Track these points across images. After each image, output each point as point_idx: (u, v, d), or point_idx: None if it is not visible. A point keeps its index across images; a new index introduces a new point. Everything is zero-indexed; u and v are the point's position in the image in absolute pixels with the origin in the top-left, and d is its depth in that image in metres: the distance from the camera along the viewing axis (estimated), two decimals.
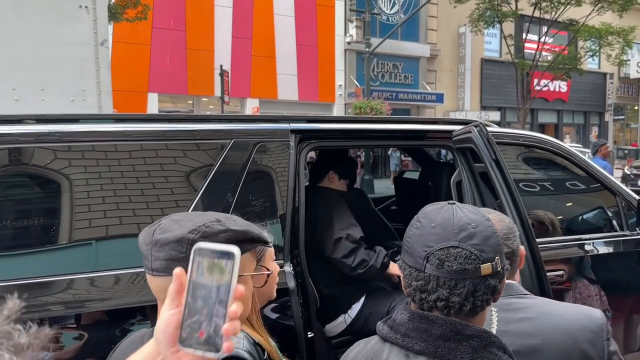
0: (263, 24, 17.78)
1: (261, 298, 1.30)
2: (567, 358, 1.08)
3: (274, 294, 1.33)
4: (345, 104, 18.85)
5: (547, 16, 17.46)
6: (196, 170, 1.97)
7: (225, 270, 0.64)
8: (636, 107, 27.93)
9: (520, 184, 2.62)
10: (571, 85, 24.15)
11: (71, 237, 1.80)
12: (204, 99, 17.72)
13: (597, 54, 19.62)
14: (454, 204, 1.00)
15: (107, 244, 1.86)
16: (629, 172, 14.04)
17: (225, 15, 17.27)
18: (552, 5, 16.94)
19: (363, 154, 13.73)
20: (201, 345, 0.63)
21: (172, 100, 17.51)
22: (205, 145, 2.01)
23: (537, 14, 17.21)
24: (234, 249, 0.64)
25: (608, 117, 27.14)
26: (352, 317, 2.65)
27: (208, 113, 16.93)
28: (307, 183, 2.90)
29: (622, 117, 27.96)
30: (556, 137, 22.67)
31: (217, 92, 16.14)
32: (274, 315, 1.95)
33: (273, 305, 1.94)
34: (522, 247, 1.00)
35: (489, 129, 2.46)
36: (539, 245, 2.29)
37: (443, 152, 4.44)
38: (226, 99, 15.54)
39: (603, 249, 2.60)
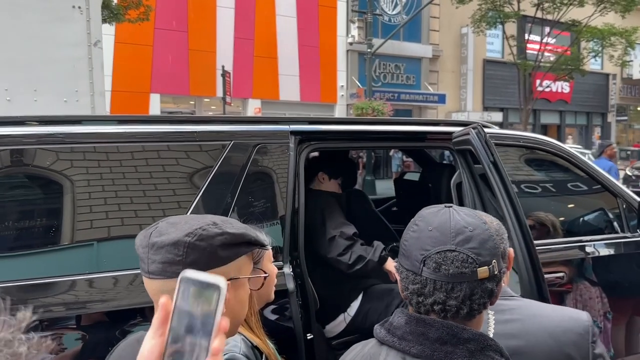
0: (265, 25, 17.80)
1: (259, 300, 1.30)
2: None
3: (272, 296, 1.33)
4: (347, 105, 18.84)
5: (549, 17, 17.43)
6: (195, 171, 1.98)
7: (211, 300, 0.63)
8: (639, 108, 27.86)
9: (521, 186, 2.62)
10: (574, 86, 24.11)
11: (73, 238, 1.80)
12: (205, 100, 17.75)
13: (600, 54, 19.58)
14: (451, 207, 1.00)
15: (109, 244, 1.86)
16: (630, 174, 14.01)
17: (227, 16, 17.29)
18: (555, 5, 16.91)
19: (365, 155, 13.73)
20: None
21: (174, 101, 17.54)
22: (204, 147, 2.02)
23: (539, 14, 17.19)
24: (221, 282, 0.63)
25: (611, 118, 27.08)
26: (352, 315, 2.66)
27: (210, 114, 16.97)
28: None
29: (625, 118, 27.89)
30: (559, 138, 22.69)
31: (219, 92, 16.17)
32: (273, 317, 1.95)
33: (273, 307, 1.94)
34: (510, 249, 1.00)
35: (488, 130, 2.46)
36: (540, 247, 2.30)
37: (447, 153, 4.44)
38: (228, 99, 15.57)
39: (604, 251, 2.59)
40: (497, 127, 2.80)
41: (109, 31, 13.37)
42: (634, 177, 13.51)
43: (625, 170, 14.84)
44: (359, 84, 18.48)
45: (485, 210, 2.24)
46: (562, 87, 23.88)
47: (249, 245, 0.93)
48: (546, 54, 18.14)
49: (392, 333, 0.96)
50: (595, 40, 17.91)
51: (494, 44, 22.61)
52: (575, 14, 17.18)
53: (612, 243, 2.63)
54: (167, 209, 1.90)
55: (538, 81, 18.00)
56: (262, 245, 0.96)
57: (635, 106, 27.95)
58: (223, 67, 15.86)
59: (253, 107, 17.67)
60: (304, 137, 2.24)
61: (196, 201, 1.92)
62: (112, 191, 1.85)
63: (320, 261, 2.56)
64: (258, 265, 1.21)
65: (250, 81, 17.66)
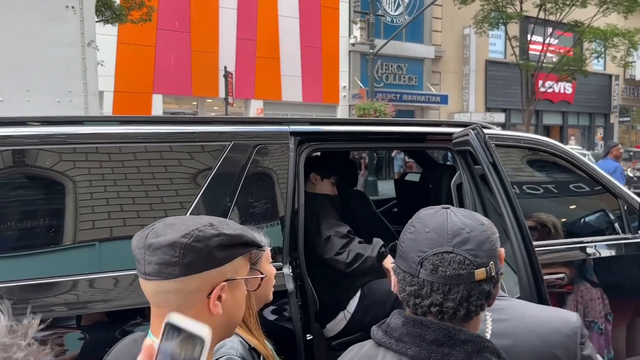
0: (267, 26, 17.81)
1: (257, 301, 1.31)
2: None
3: (271, 297, 1.34)
4: (350, 106, 18.84)
5: (552, 17, 17.40)
6: (195, 172, 1.98)
7: (196, 348, 0.63)
8: None
9: (522, 187, 2.62)
10: (576, 87, 24.05)
11: (74, 239, 1.81)
12: (208, 100, 17.77)
13: (603, 55, 19.53)
14: (448, 208, 0.99)
15: (110, 245, 1.87)
16: (632, 175, 13.96)
17: (229, 17, 17.31)
18: (557, 6, 16.88)
19: (367, 156, 13.72)
20: None
21: (177, 102, 17.57)
22: (204, 147, 2.02)
23: (541, 15, 17.15)
24: (205, 334, 0.62)
25: (613, 118, 27.00)
26: (351, 312, 2.65)
27: (212, 115, 16.98)
28: None
29: (628, 118, 27.80)
30: (561, 139, 22.63)
31: (222, 93, 16.19)
32: (272, 318, 1.96)
33: (272, 307, 1.94)
34: (501, 249, 1.00)
35: (488, 131, 2.45)
36: (541, 248, 2.29)
37: (449, 154, 4.43)
38: (230, 100, 15.59)
39: (605, 252, 2.59)
40: (498, 128, 2.80)
41: (111, 32, 13.41)
42: (635, 178, 13.47)
43: (627, 171, 14.80)
44: (361, 85, 18.47)
45: (485, 211, 2.24)
46: (565, 88, 23.82)
47: (246, 246, 0.93)
48: (549, 54, 18.10)
49: (389, 334, 0.96)
50: (597, 41, 17.88)
51: (496, 44, 22.58)
52: (577, 14, 17.14)
53: (613, 244, 2.62)
54: (167, 209, 1.91)
55: (540, 82, 17.96)
56: (259, 246, 0.96)
57: (638, 107, 27.85)
58: (225, 67, 15.88)
59: (255, 108, 17.68)
60: (303, 138, 2.24)
61: (196, 201, 1.92)
62: (112, 191, 1.86)
63: (317, 261, 2.56)
64: (256, 266, 1.21)
65: (253, 82, 17.67)
